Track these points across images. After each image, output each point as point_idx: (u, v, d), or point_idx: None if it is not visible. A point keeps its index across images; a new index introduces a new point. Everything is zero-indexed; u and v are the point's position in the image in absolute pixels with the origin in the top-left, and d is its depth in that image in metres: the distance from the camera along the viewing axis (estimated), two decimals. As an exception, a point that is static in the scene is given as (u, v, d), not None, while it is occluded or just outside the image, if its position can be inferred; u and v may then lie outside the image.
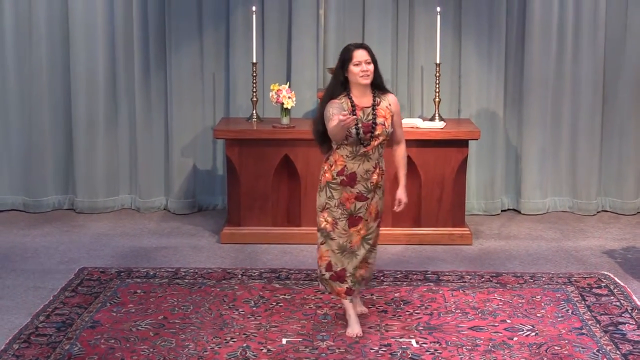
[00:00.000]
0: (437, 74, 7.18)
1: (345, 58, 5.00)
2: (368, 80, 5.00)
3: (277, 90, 6.91)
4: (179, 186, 7.74)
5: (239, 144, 6.87)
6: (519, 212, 7.80)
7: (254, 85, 7.21)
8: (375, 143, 5.03)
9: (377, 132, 5.02)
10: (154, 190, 7.81)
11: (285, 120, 6.95)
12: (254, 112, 7.19)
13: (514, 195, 7.86)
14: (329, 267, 5.15)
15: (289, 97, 6.91)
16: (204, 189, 7.83)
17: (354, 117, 4.87)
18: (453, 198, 6.91)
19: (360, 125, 5.00)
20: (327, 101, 5.03)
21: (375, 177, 5.08)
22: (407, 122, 7.00)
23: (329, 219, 5.09)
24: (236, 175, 6.90)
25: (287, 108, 6.94)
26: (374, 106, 5.05)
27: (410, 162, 6.86)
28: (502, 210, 7.83)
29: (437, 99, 7.18)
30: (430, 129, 6.90)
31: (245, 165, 6.88)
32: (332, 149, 5.09)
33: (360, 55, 4.97)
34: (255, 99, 7.21)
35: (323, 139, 5.08)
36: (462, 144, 6.89)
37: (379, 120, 5.03)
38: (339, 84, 5.03)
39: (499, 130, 7.68)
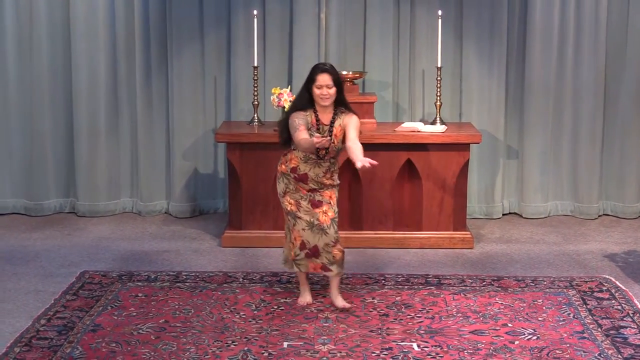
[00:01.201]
0: (439, 78, 7.18)
1: (310, 79, 5.47)
2: (327, 103, 5.45)
3: (279, 94, 6.92)
4: (180, 190, 7.74)
5: (240, 147, 6.87)
6: (520, 216, 7.80)
7: (255, 89, 7.21)
8: (327, 158, 5.51)
9: (329, 149, 5.47)
10: (155, 194, 7.81)
11: (286, 124, 6.95)
12: (256, 115, 7.19)
13: (515, 199, 7.86)
14: (302, 245, 5.56)
15: (290, 101, 6.91)
16: (205, 192, 7.83)
17: (328, 138, 5.33)
18: (454, 202, 6.91)
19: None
20: (293, 111, 5.51)
21: (325, 180, 5.55)
22: (408, 125, 7.01)
23: (292, 201, 5.56)
24: (237, 178, 6.91)
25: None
26: (331, 125, 5.49)
27: (411, 165, 6.88)
28: (503, 214, 7.83)
29: (438, 103, 7.18)
30: (432, 133, 6.90)
31: (246, 169, 6.88)
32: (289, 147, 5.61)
33: (322, 79, 5.41)
34: (256, 103, 7.22)
35: (285, 141, 5.57)
36: (464, 147, 6.89)
37: (332, 138, 5.47)
38: (305, 99, 5.50)
39: (500, 134, 7.68)
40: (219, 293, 5.84)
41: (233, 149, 6.87)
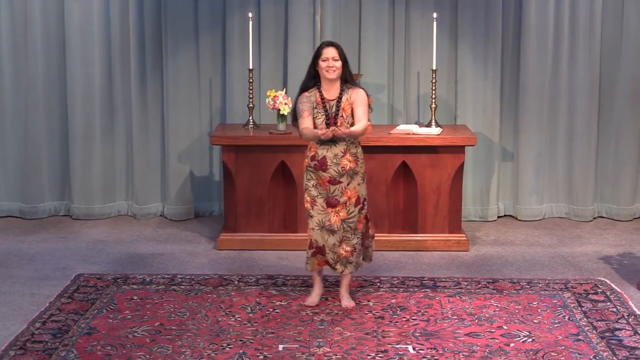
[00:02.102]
0: (434, 80, 7.19)
1: (316, 54, 5.59)
2: (334, 75, 5.54)
3: (274, 97, 6.92)
4: (175, 192, 7.73)
5: (235, 150, 6.87)
6: (516, 218, 7.80)
7: (251, 92, 7.21)
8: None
9: (339, 124, 5.53)
10: (150, 197, 7.81)
11: (281, 127, 6.95)
12: (251, 118, 7.19)
13: (511, 201, 7.86)
14: (311, 244, 5.65)
15: (286, 104, 6.91)
16: (201, 195, 7.83)
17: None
18: (449, 204, 6.91)
19: (327, 117, 5.56)
20: (299, 94, 5.66)
21: (345, 162, 5.54)
22: (403, 128, 7.02)
23: (309, 198, 5.62)
24: (233, 181, 6.90)
25: (283, 114, 6.94)
26: (339, 100, 5.56)
27: (406, 168, 6.89)
28: (498, 217, 7.83)
29: (433, 105, 7.19)
30: (427, 135, 6.90)
31: (241, 172, 6.88)
32: None
33: (327, 52, 5.53)
34: (251, 105, 7.22)
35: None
36: (459, 150, 6.89)
37: (340, 112, 5.57)
38: (311, 78, 5.61)
39: (495, 136, 7.69)
40: (214, 296, 5.84)
41: (228, 151, 6.87)
